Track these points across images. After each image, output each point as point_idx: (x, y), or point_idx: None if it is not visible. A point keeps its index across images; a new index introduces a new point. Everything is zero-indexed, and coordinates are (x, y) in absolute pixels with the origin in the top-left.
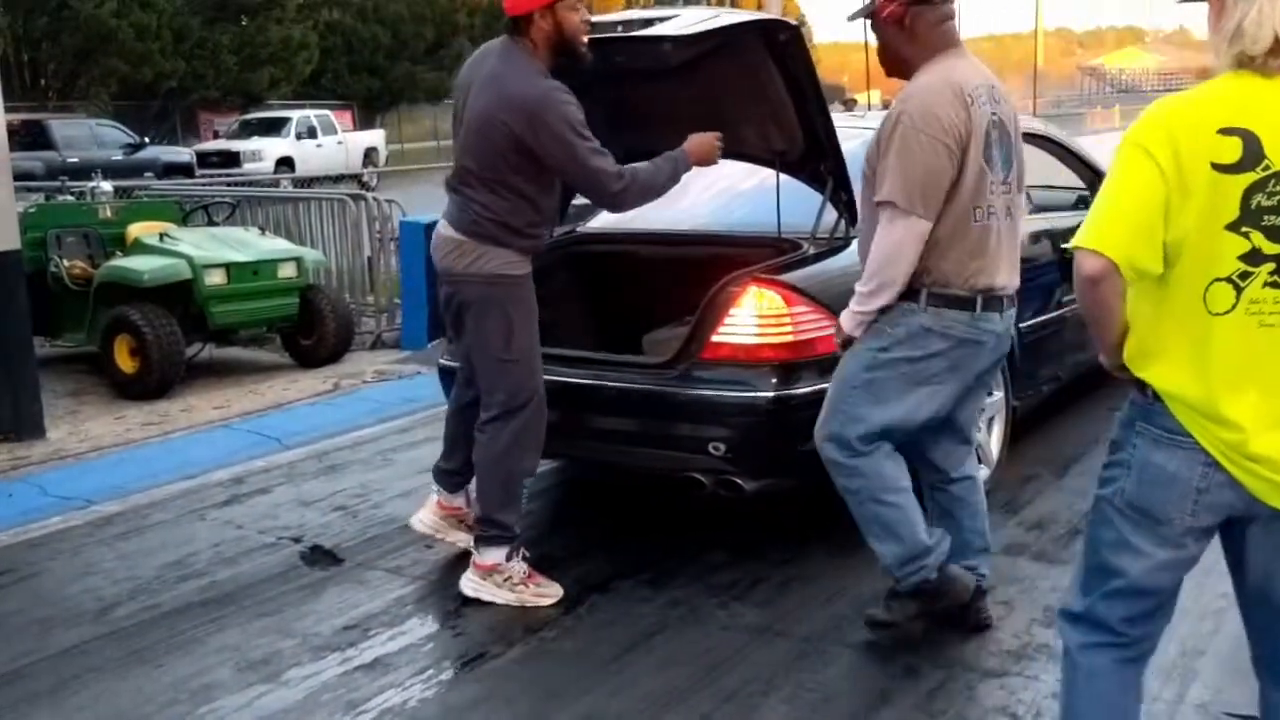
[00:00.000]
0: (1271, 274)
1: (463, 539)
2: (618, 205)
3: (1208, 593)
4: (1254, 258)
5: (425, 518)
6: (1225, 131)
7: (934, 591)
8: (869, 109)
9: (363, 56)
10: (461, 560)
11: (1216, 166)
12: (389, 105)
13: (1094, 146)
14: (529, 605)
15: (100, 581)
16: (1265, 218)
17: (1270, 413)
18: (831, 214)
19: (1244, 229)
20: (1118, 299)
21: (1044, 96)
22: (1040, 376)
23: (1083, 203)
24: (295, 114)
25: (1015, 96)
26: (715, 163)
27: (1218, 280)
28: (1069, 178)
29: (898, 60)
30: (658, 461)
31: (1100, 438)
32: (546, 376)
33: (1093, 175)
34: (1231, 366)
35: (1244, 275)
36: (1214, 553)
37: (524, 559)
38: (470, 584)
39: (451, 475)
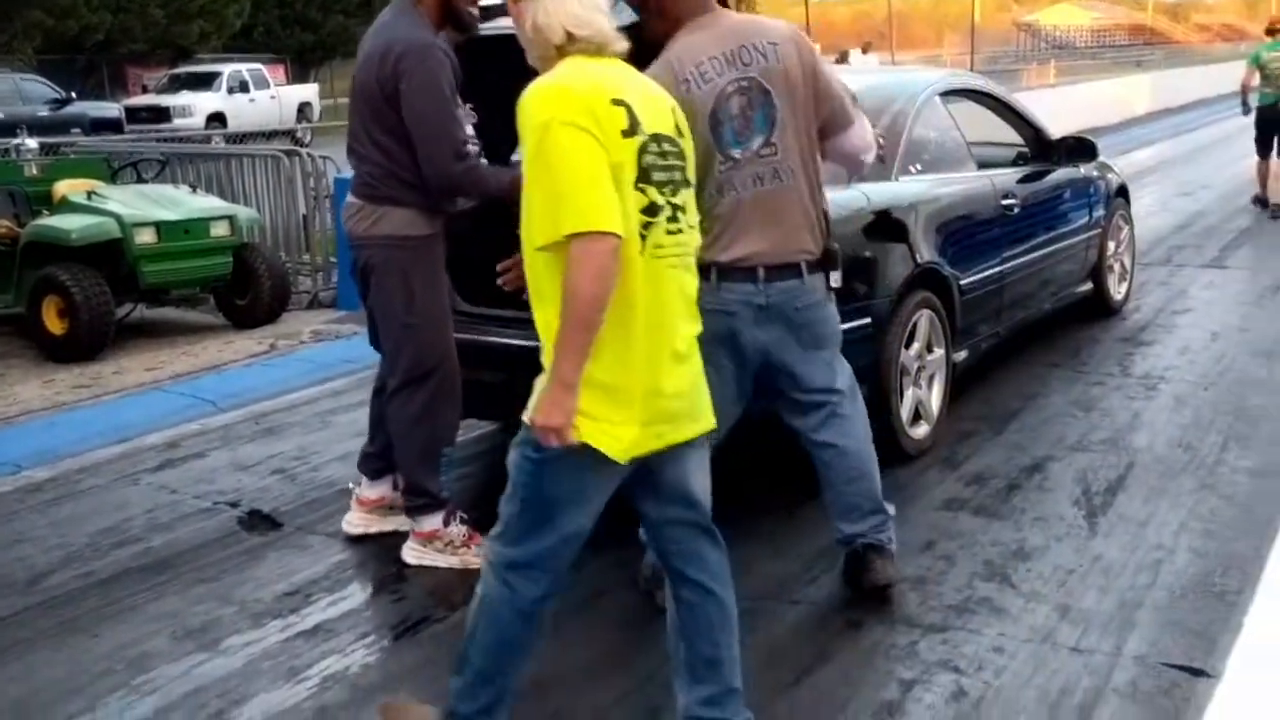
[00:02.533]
0: (669, 220)
1: (399, 524)
2: (441, 183)
3: (1143, 546)
4: (652, 210)
5: (352, 519)
6: (615, 103)
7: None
8: None
9: (294, 9)
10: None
11: (622, 133)
12: (322, 59)
13: (1031, 102)
14: (472, 567)
15: (31, 549)
16: (653, 174)
17: (673, 347)
18: None
19: (640, 185)
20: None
21: (980, 53)
22: (980, 332)
23: (1022, 159)
24: (226, 68)
25: (954, 53)
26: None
27: (640, 230)
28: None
29: (655, 38)
30: None
31: (1039, 393)
32: (498, 339)
33: (1032, 132)
34: (655, 307)
35: (647, 226)
36: (1149, 506)
37: (462, 521)
38: (412, 553)
39: (372, 459)
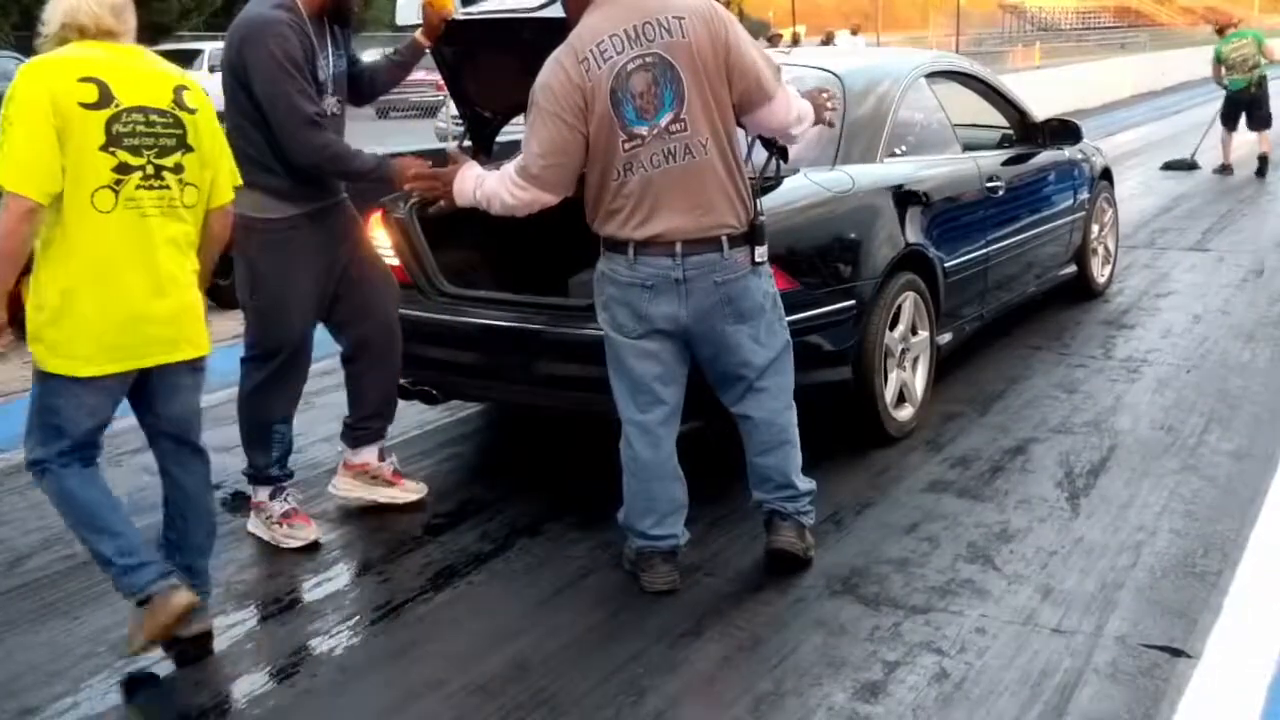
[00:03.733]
0: (142, 179)
1: (382, 496)
2: (300, 157)
3: (1125, 528)
4: (124, 169)
5: (338, 482)
6: (84, 80)
7: (636, 562)
8: (795, 44)
9: None
10: (389, 510)
11: (86, 104)
12: None
13: (1016, 85)
14: (282, 546)
15: (11, 532)
16: (125, 140)
17: (154, 283)
18: (762, 154)
19: (110, 149)
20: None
21: (965, 34)
22: (964, 315)
23: (1007, 141)
24: (207, 46)
25: (940, 35)
26: (414, 182)
27: (100, 188)
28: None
29: (572, 19)
30: (583, 405)
31: (1022, 376)
32: (471, 319)
33: (1017, 114)
34: (127, 248)
35: (119, 183)
36: (1131, 488)
37: (287, 499)
38: (251, 522)
39: (350, 429)
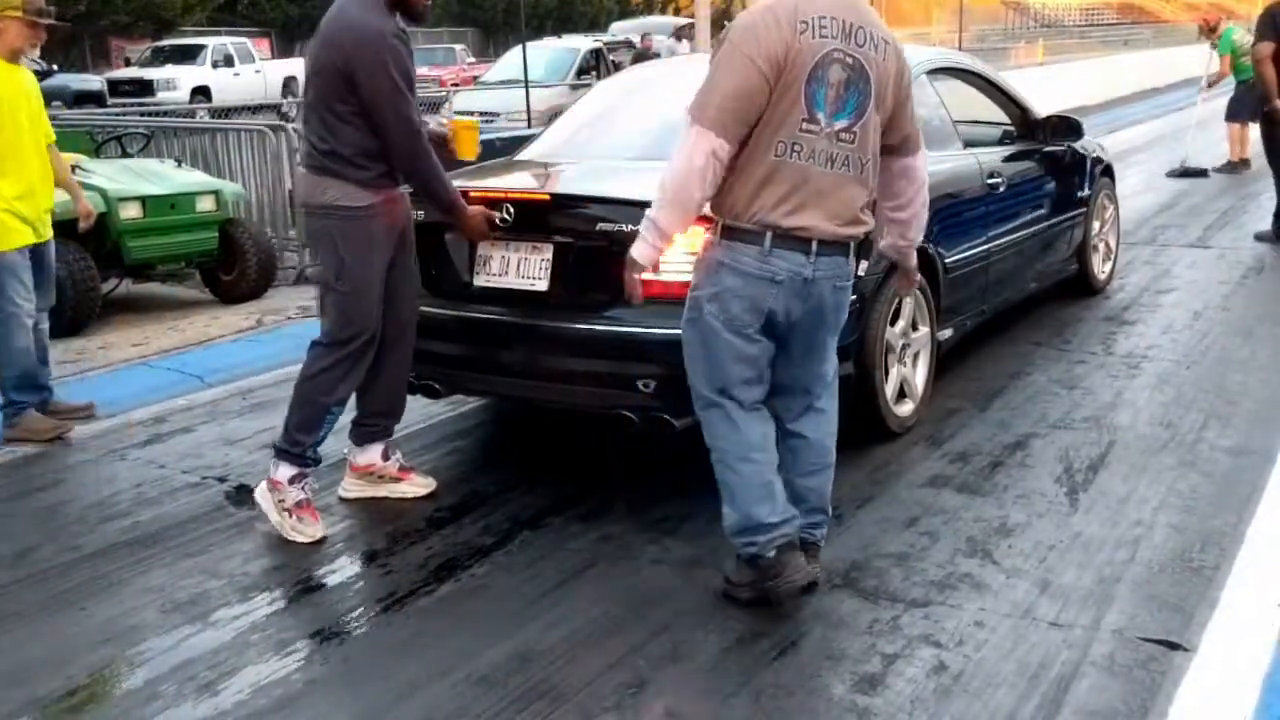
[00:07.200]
0: None
1: (390, 493)
2: (413, 163)
3: (1123, 522)
4: None
5: (346, 484)
6: None
7: (765, 568)
8: None
9: None
10: (392, 502)
11: None
12: (308, 33)
13: (1019, 81)
14: (287, 537)
15: (18, 524)
16: None
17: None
18: None
19: None
20: None
21: (968, 31)
22: (965, 311)
23: (1008, 138)
24: (210, 41)
25: (943, 31)
26: (477, 238)
27: None
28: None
29: None
30: (587, 399)
31: (1022, 371)
32: (474, 314)
33: (1019, 111)
34: None
35: None
36: (1129, 483)
37: (304, 489)
38: (260, 493)
39: (358, 426)
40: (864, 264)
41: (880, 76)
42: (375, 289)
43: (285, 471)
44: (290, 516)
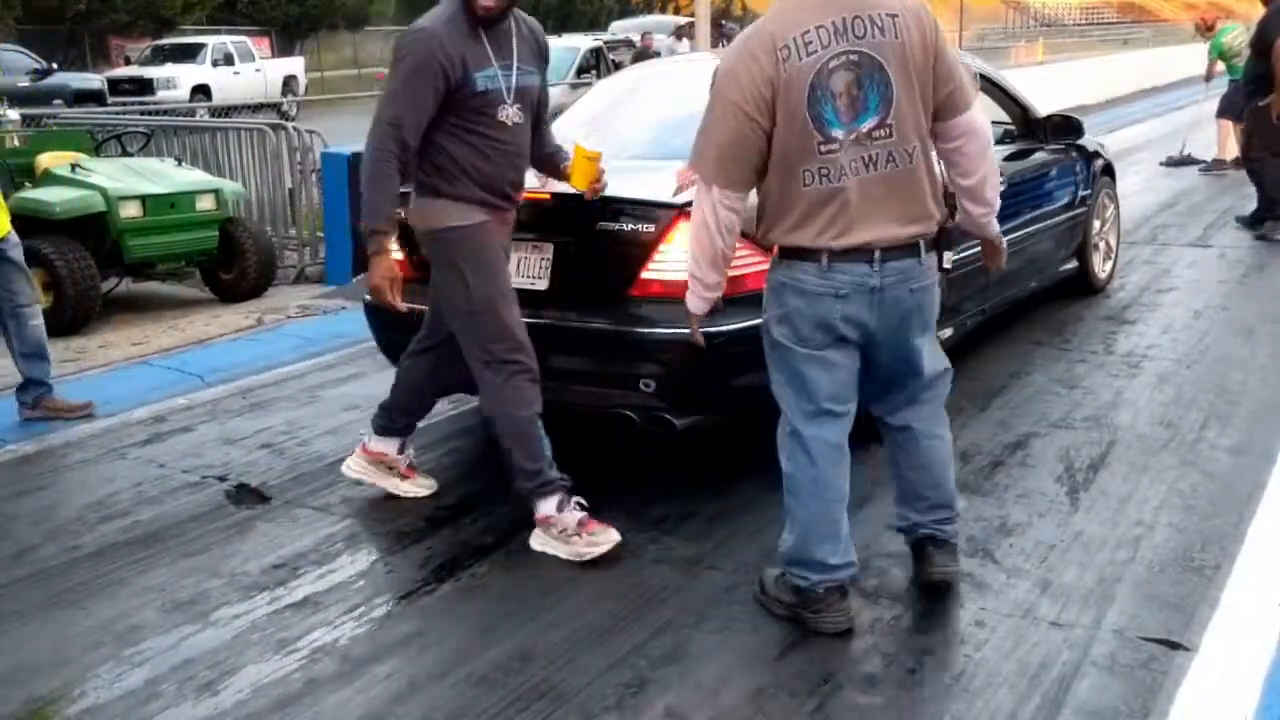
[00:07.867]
0: None
1: (391, 485)
2: (368, 139)
3: (1124, 522)
4: None
5: (352, 463)
6: None
7: (809, 600)
8: None
9: None
10: (391, 499)
11: None
12: (308, 31)
13: (1019, 80)
14: (584, 558)
15: (18, 524)
16: None
17: None
18: None
19: None
20: None
21: (969, 29)
22: (965, 310)
23: (1009, 137)
24: (210, 40)
25: (943, 29)
26: (370, 291)
27: None
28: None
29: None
30: (588, 399)
31: (1023, 371)
32: None
33: (1019, 110)
34: None
35: None
36: (1130, 483)
37: (578, 507)
38: (537, 539)
39: (384, 414)
40: (948, 255)
41: (898, 56)
42: (509, 299)
43: (547, 506)
44: (580, 539)
